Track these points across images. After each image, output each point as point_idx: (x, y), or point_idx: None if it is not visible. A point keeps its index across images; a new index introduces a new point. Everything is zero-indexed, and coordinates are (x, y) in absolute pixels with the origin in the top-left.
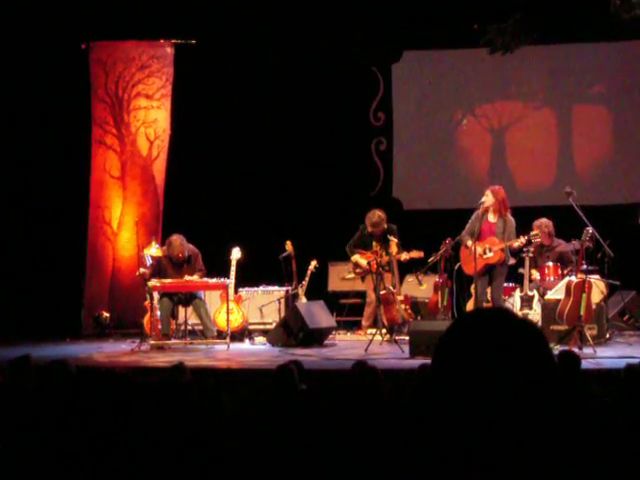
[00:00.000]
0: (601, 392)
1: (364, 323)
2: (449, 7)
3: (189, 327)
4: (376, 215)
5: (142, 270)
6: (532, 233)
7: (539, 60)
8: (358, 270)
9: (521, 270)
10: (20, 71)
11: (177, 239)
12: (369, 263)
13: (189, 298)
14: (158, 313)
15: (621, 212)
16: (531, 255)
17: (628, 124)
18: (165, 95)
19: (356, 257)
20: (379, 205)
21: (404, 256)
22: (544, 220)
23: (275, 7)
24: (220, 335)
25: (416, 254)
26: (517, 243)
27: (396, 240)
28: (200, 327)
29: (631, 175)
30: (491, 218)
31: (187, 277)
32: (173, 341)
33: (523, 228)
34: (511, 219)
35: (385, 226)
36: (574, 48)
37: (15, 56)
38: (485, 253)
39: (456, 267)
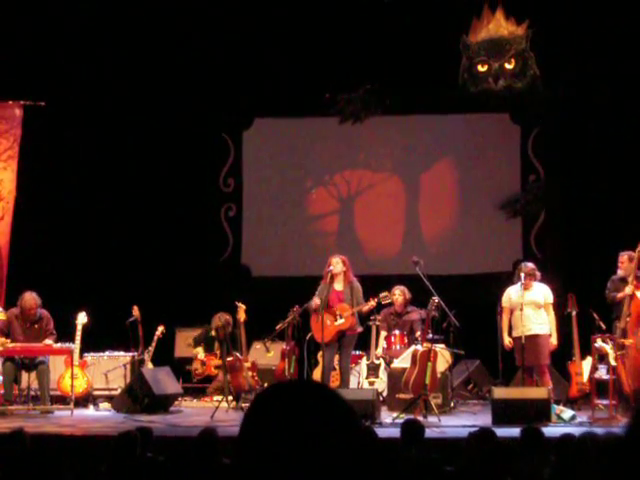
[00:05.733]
0: (444, 460)
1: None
2: (301, 76)
3: (32, 392)
4: (223, 319)
5: None
6: (382, 295)
7: (388, 130)
8: (195, 369)
9: None
10: None
11: (30, 294)
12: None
13: (34, 363)
14: (0, 378)
15: (466, 282)
16: (378, 323)
17: (473, 196)
18: (12, 156)
19: (198, 350)
20: (228, 272)
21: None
22: (402, 287)
23: (126, 70)
24: (64, 401)
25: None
26: (367, 307)
27: (244, 307)
28: None
29: (476, 246)
30: (338, 287)
31: (47, 341)
32: (15, 407)
33: (371, 296)
34: (357, 285)
35: (230, 330)
36: (422, 119)
37: None
38: (337, 320)
39: (307, 337)
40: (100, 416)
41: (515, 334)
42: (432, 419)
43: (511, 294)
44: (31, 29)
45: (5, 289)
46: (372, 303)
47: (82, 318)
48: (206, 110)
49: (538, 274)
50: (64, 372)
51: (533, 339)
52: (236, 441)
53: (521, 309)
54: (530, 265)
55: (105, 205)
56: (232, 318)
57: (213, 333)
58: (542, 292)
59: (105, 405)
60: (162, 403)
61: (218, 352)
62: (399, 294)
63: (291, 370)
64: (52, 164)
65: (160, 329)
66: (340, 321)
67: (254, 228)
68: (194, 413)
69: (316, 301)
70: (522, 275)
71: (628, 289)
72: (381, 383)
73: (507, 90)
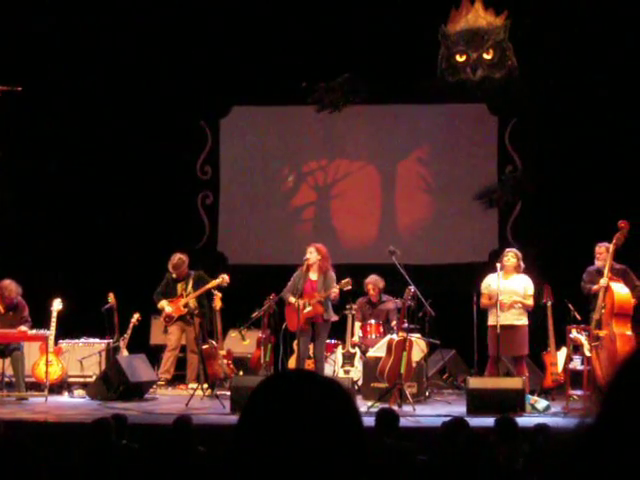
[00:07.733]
0: (418, 450)
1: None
2: (278, 64)
3: (6, 379)
4: (177, 257)
5: None
6: (343, 281)
7: (365, 119)
8: (165, 316)
9: None
10: None
11: (11, 282)
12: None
13: (9, 349)
14: None
15: (442, 272)
16: (354, 312)
17: (450, 186)
18: None
19: (163, 303)
20: (204, 259)
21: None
22: (375, 277)
23: (103, 56)
24: (39, 387)
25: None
26: (332, 294)
27: (220, 294)
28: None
29: (452, 236)
30: (313, 276)
31: (22, 328)
32: None
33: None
34: (332, 274)
35: (187, 271)
36: (400, 109)
37: None
38: (305, 308)
39: (283, 326)
40: (75, 403)
41: (490, 322)
42: (407, 408)
43: (490, 281)
44: (7, 14)
45: None
46: (335, 290)
47: (57, 304)
48: (183, 97)
49: (522, 265)
50: (39, 359)
51: (509, 329)
52: (235, 428)
53: (494, 298)
54: (513, 250)
55: (81, 191)
56: (187, 257)
57: (172, 273)
58: (522, 283)
59: (80, 392)
60: (137, 390)
61: (183, 293)
62: (372, 288)
63: (267, 358)
64: (28, 150)
65: (136, 316)
66: (307, 309)
67: (231, 216)
68: (169, 401)
69: (290, 299)
70: (503, 259)
71: (603, 281)
72: (356, 372)
73: (485, 80)
